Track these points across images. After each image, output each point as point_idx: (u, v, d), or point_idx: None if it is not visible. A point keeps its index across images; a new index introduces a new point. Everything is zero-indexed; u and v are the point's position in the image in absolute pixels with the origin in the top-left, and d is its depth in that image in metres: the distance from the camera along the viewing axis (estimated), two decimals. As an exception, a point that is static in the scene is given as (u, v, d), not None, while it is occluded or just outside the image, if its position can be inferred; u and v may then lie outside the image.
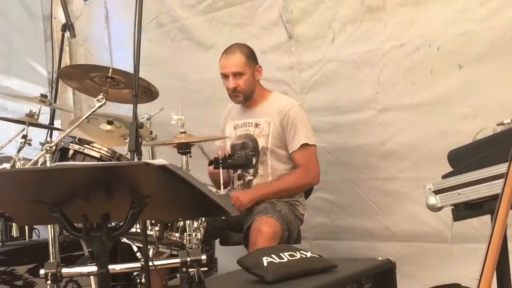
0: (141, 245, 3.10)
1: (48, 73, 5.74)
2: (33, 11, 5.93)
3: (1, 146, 4.13)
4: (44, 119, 4.71)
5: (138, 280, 3.10)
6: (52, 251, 2.99)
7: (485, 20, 3.46)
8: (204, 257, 2.80)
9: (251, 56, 3.79)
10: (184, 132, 3.14)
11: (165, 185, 1.82)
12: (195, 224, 3.09)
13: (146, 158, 2.79)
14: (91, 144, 3.43)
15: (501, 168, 2.17)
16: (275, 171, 3.76)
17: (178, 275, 2.71)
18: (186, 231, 3.06)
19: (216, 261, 3.74)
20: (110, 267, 1.99)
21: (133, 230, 2.92)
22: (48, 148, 3.01)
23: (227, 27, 4.56)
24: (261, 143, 3.77)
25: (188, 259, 2.81)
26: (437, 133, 3.66)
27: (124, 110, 4.44)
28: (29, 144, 3.80)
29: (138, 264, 2.97)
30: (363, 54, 3.93)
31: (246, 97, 3.79)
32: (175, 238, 3.17)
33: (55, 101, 5.17)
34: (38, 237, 4.30)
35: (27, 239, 4.09)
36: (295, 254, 2.80)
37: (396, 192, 3.90)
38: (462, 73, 3.56)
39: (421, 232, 3.79)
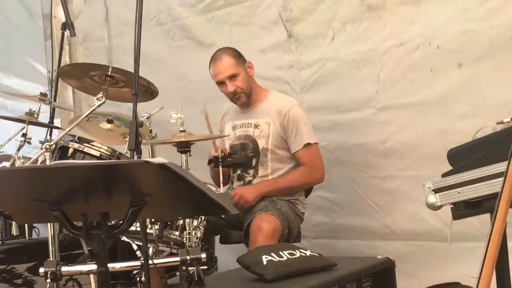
0: (141, 244, 3.10)
1: (48, 71, 5.73)
2: (33, 10, 5.92)
3: (1, 145, 4.13)
4: (44, 117, 4.71)
5: (138, 279, 3.10)
6: (52, 250, 2.99)
7: (485, 19, 3.46)
8: (203, 255, 2.82)
9: (237, 55, 3.78)
10: (184, 131, 3.14)
11: (164, 183, 1.83)
12: (195, 223, 3.09)
13: (146, 156, 2.79)
14: (91, 143, 3.43)
15: (501, 166, 2.17)
16: (275, 172, 3.75)
17: (177, 273, 2.71)
18: (186, 230, 3.07)
19: (216, 259, 3.75)
20: (110, 265, 1.99)
21: (132, 228, 2.93)
22: (47, 146, 3.01)
23: (227, 26, 4.56)
24: (261, 144, 3.76)
25: (188, 257, 2.82)
26: (437, 131, 3.66)
27: (124, 109, 4.45)
28: (29, 143, 3.79)
29: (137, 263, 2.98)
30: (363, 53, 3.93)
31: (248, 95, 3.78)
32: (175, 237, 3.17)
33: (55, 100, 5.17)
34: (38, 235, 4.30)
35: (27, 238, 4.09)
36: (295, 252, 2.80)
37: (396, 190, 3.90)
38: (462, 72, 3.56)
39: (420, 231, 3.79)
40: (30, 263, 3.55)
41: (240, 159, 3.67)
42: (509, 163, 1.90)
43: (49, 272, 2.82)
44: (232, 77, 3.71)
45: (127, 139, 2.92)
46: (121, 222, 1.91)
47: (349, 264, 2.94)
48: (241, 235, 3.64)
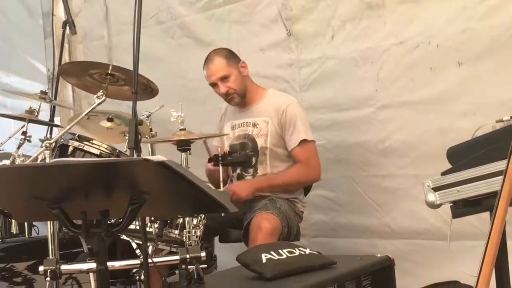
0: (140, 242, 3.10)
1: (47, 70, 5.73)
2: (33, 9, 5.92)
3: (1, 143, 4.13)
4: (44, 116, 4.72)
5: (137, 277, 3.11)
6: (52, 248, 2.99)
7: (485, 18, 3.46)
8: (203, 254, 2.81)
9: (230, 56, 3.77)
10: (184, 129, 3.14)
11: (164, 181, 1.83)
12: (195, 221, 3.09)
13: (145, 155, 2.79)
14: (91, 141, 3.43)
15: (500, 165, 2.17)
16: (275, 171, 3.75)
17: (177, 272, 2.71)
18: (185, 228, 3.07)
19: (215, 258, 3.75)
20: (109, 264, 2.00)
21: (132, 227, 2.94)
22: (47, 144, 3.01)
23: (227, 24, 4.56)
24: (260, 143, 3.76)
25: (188, 256, 2.82)
26: (437, 130, 3.67)
27: (124, 107, 4.45)
28: (29, 141, 3.80)
29: (137, 261, 2.98)
30: (363, 52, 3.93)
31: (241, 96, 3.77)
32: (175, 235, 3.17)
33: (55, 98, 5.17)
34: (38, 234, 4.30)
35: (27, 236, 4.09)
36: (294, 251, 2.80)
37: (396, 189, 3.90)
38: (461, 70, 3.56)
39: (420, 229, 3.79)
40: (29, 262, 3.55)
41: (240, 157, 3.67)
42: (508, 161, 1.90)
43: (49, 270, 2.81)
44: (224, 78, 3.70)
45: (127, 138, 2.92)
46: (120, 220, 1.91)
47: (349, 262, 2.94)
48: (241, 234, 3.64)
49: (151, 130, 3.56)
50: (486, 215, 2.29)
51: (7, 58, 6.25)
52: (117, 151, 3.44)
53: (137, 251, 3.24)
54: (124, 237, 3.27)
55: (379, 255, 3.09)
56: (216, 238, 3.92)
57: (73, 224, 1.92)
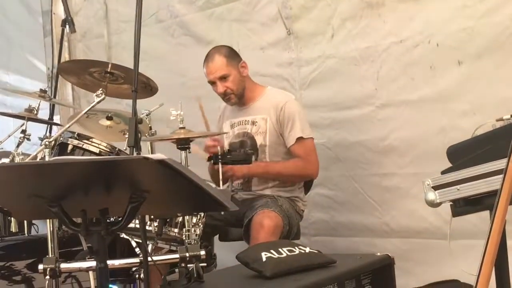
0: (140, 241, 3.10)
1: (47, 68, 5.73)
2: (32, 7, 5.91)
3: (0, 141, 4.12)
4: (43, 114, 4.71)
5: (137, 276, 3.10)
6: (51, 246, 2.99)
7: (485, 17, 3.46)
8: (203, 252, 2.81)
9: (231, 55, 3.76)
10: (184, 128, 3.14)
11: (163, 179, 1.82)
12: (194, 220, 3.09)
13: (145, 153, 2.79)
14: (90, 140, 3.42)
15: (500, 163, 2.17)
16: (274, 168, 3.76)
17: (177, 270, 2.71)
18: (185, 227, 3.06)
19: (215, 257, 3.74)
20: (109, 262, 1.99)
21: (132, 225, 2.94)
22: (47, 143, 3.00)
23: (226, 23, 4.56)
24: (259, 140, 3.76)
25: (187, 254, 2.82)
26: (437, 129, 3.66)
27: (123, 105, 4.45)
28: (28, 139, 3.79)
29: (137, 260, 2.98)
30: (363, 50, 3.93)
31: (239, 96, 3.77)
32: (174, 234, 3.17)
33: (54, 97, 5.16)
34: (37, 232, 4.30)
35: (26, 234, 4.09)
36: (294, 249, 2.80)
37: (395, 188, 3.90)
38: (461, 69, 3.56)
39: (420, 228, 3.79)
40: (29, 260, 3.54)
41: (239, 155, 3.65)
42: (509, 160, 1.90)
43: (48, 268, 2.82)
44: (223, 78, 3.70)
45: (127, 136, 2.92)
46: (120, 218, 1.91)
47: (348, 261, 2.94)
48: (240, 232, 3.64)
49: (150, 128, 3.55)
50: (486, 214, 2.29)
51: (6, 56, 6.25)
52: (117, 149, 3.43)
53: (137, 250, 3.23)
54: (123, 235, 3.26)
55: (378, 253, 3.09)
56: (216, 237, 3.91)
57: (73, 222, 1.91)
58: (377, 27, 3.86)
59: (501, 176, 1.92)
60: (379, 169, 3.96)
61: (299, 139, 3.67)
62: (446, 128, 3.61)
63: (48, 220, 3.00)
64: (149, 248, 3.15)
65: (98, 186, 1.85)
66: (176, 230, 3.17)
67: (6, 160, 3.58)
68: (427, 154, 3.68)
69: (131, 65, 2.78)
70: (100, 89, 3.15)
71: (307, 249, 2.87)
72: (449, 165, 2.51)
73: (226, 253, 3.78)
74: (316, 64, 4.14)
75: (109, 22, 5.33)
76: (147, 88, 3.53)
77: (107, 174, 1.79)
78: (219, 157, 3.41)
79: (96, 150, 3.39)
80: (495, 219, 1.89)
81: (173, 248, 3.27)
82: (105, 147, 3.41)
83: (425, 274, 3.70)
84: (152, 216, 3.06)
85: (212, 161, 3.42)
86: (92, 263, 2.69)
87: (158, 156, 1.68)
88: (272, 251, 2.72)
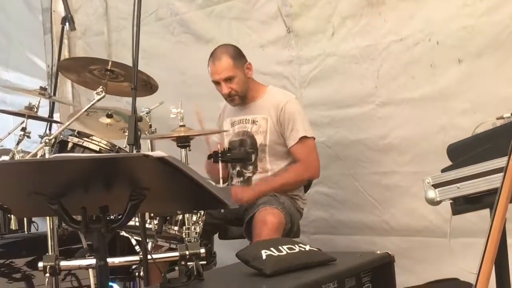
0: (140, 239, 3.10)
1: (47, 66, 5.73)
2: (32, 4, 5.91)
3: (0, 139, 4.12)
4: (43, 112, 4.71)
5: (137, 274, 3.10)
6: (51, 244, 2.99)
7: (485, 15, 3.46)
8: (202, 250, 2.82)
9: (238, 56, 3.73)
10: (184, 126, 3.14)
11: (164, 177, 1.82)
12: (194, 218, 3.09)
13: (145, 151, 2.79)
14: (90, 137, 3.42)
15: (501, 162, 2.16)
16: (274, 168, 3.75)
17: (176, 268, 2.71)
18: (185, 225, 3.06)
19: (215, 255, 3.74)
20: (109, 260, 1.99)
21: (132, 223, 2.94)
22: (47, 140, 3.00)
23: (226, 21, 4.55)
24: (259, 140, 3.75)
25: (187, 252, 2.83)
26: (437, 127, 3.66)
27: (123, 103, 4.44)
28: (28, 137, 3.79)
29: (136, 258, 2.98)
30: (363, 49, 3.93)
31: (242, 97, 3.77)
32: (174, 232, 3.17)
33: (54, 94, 5.16)
34: (37, 230, 4.30)
35: (26, 232, 4.09)
36: (294, 247, 2.79)
37: (395, 186, 3.90)
38: (462, 67, 3.56)
39: (419, 227, 3.79)
40: (29, 258, 3.55)
41: (239, 154, 3.66)
42: (509, 158, 1.89)
43: (48, 266, 2.82)
44: (228, 79, 3.69)
45: (127, 134, 2.92)
46: (120, 216, 1.91)
47: (348, 259, 2.94)
48: (240, 231, 3.64)
49: (150, 126, 3.55)
50: (486, 212, 2.29)
51: (6, 54, 6.25)
52: (117, 147, 3.43)
53: (137, 248, 3.23)
54: (123, 233, 3.26)
55: (378, 252, 3.09)
56: (216, 235, 3.91)
57: (73, 219, 1.91)
58: (377, 25, 3.86)
59: (501, 174, 1.92)
60: (379, 167, 3.96)
61: (300, 139, 3.67)
62: (446, 126, 3.61)
63: (48, 218, 3.00)
64: (149, 246, 3.15)
65: (98, 184, 1.85)
66: (176, 228, 3.17)
67: (6, 158, 3.58)
68: (427, 152, 3.67)
69: (131, 63, 2.78)
70: (100, 87, 3.15)
71: (307, 247, 2.86)
72: (449, 163, 2.51)
73: (225, 251, 3.78)
74: (316, 62, 4.14)
75: (109, 19, 5.32)
76: (147, 86, 3.53)
77: (107, 172, 1.79)
78: (219, 155, 3.41)
79: (96, 148, 3.39)
80: (495, 217, 1.89)
81: (173, 246, 3.27)
82: (105, 145, 3.41)
83: (425, 272, 3.70)
84: (152, 214, 3.06)
85: (212, 159, 3.43)
86: (92, 261, 2.69)
87: (158, 153, 1.68)
88: (272, 249, 2.72)
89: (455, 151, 2.54)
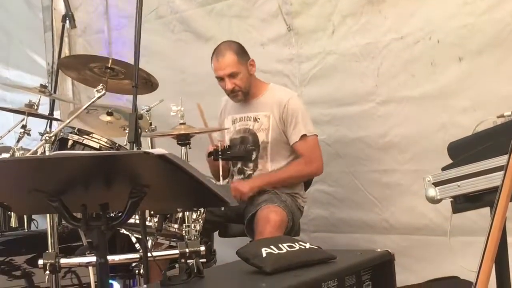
0: (140, 236, 3.10)
1: (47, 64, 5.73)
2: (33, 2, 5.90)
3: (1, 136, 4.12)
4: (44, 109, 4.71)
5: (137, 271, 3.11)
6: (51, 242, 2.99)
7: (486, 13, 3.46)
8: (202, 248, 2.82)
9: (241, 52, 3.74)
10: (184, 124, 3.14)
11: (164, 174, 1.82)
12: (194, 216, 3.09)
13: (145, 149, 2.79)
14: (91, 135, 3.42)
15: (501, 160, 2.17)
16: (275, 165, 3.75)
17: (177, 265, 2.71)
18: (185, 223, 3.06)
19: (215, 252, 3.75)
20: (109, 257, 1.99)
21: (132, 221, 2.94)
22: (47, 138, 3.01)
23: (226, 19, 4.55)
24: (261, 137, 3.75)
25: (187, 250, 2.83)
26: (437, 125, 3.66)
27: (123, 101, 4.44)
28: (29, 135, 3.79)
29: (137, 255, 2.98)
30: (363, 47, 3.93)
31: (245, 93, 3.77)
32: (174, 230, 3.17)
33: (54, 92, 5.16)
34: (37, 227, 4.30)
35: (26, 229, 4.09)
36: (294, 245, 2.79)
37: (395, 184, 3.90)
38: (462, 66, 3.56)
39: (419, 225, 3.79)
40: (29, 255, 3.55)
41: (239, 152, 3.66)
42: (509, 156, 1.89)
43: (48, 264, 2.82)
44: (232, 75, 3.69)
45: (127, 132, 2.92)
46: (120, 213, 1.90)
47: (348, 257, 2.93)
48: (240, 228, 3.64)
49: (150, 124, 3.55)
50: (486, 210, 2.29)
51: (6, 51, 6.24)
52: (117, 145, 3.43)
53: (137, 245, 3.23)
54: (123, 231, 3.26)
55: (379, 250, 3.09)
56: (216, 233, 3.92)
57: (73, 217, 1.91)
58: (377, 23, 3.86)
59: (502, 172, 1.92)
60: (379, 165, 3.96)
61: (303, 136, 3.68)
62: (447, 124, 3.61)
63: (48, 215, 3.00)
64: (149, 243, 3.15)
65: (98, 181, 1.85)
66: (176, 225, 3.17)
67: (6, 155, 3.57)
68: (428, 150, 3.67)
69: (131, 61, 2.78)
70: (101, 84, 3.16)
71: (307, 245, 2.86)
72: (450, 161, 2.51)
73: (225, 249, 3.78)
74: (317, 60, 4.14)
75: (110, 17, 5.32)
76: (148, 83, 3.53)
77: (108, 169, 1.79)
78: (219, 153, 3.41)
79: (96, 146, 3.39)
80: (496, 216, 1.89)
81: (173, 243, 3.27)
82: (105, 142, 3.41)
83: (424, 271, 3.70)
84: (152, 212, 3.06)
85: (212, 156, 3.43)
86: (92, 258, 2.70)
87: (158, 150, 1.68)
88: (272, 246, 2.72)
89: (456, 149, 2.54)
